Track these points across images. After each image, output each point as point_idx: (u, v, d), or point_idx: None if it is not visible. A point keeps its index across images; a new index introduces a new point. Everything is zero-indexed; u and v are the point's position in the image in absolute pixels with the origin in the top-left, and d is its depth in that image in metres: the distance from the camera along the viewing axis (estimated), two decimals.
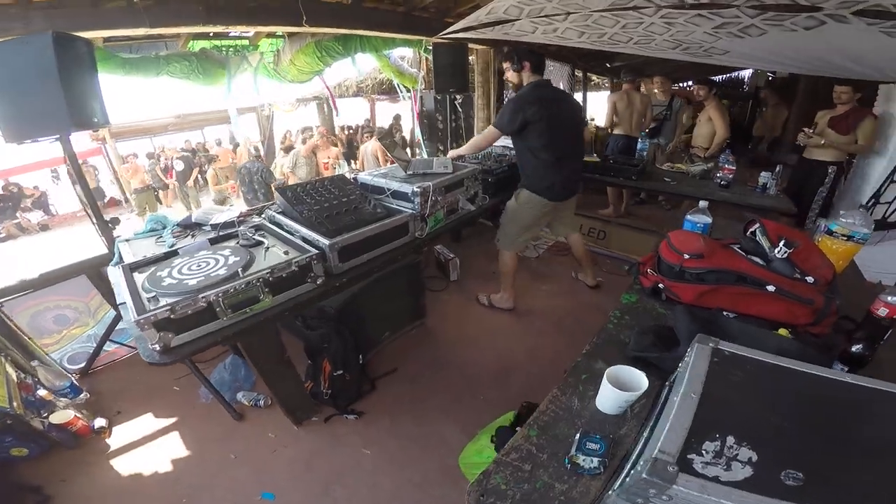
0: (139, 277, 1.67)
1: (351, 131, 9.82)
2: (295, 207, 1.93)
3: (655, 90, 5.20)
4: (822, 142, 3.93)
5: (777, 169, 3.35)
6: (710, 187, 3.36)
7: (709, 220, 1.94)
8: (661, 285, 1.55)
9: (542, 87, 2.60)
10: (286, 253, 1.77)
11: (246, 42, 4.08)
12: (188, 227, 2.14)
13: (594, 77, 10.25)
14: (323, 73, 4.14)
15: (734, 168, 3.38)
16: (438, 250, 3.75)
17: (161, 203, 9.15)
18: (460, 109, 5.86)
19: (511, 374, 2.60)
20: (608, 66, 10.07)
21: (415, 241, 2.16)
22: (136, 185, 8.47)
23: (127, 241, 2.08)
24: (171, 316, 1.41)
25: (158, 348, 1.45)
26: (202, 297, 1.44)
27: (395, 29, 3.66)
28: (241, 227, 1.94)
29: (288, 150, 6.28)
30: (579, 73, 9.75)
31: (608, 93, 5.00)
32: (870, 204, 4.18)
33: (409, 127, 8.11)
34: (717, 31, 2.80)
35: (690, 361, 0.89)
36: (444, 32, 3.36)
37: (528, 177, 2.72)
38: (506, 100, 5.65)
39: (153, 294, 1.50)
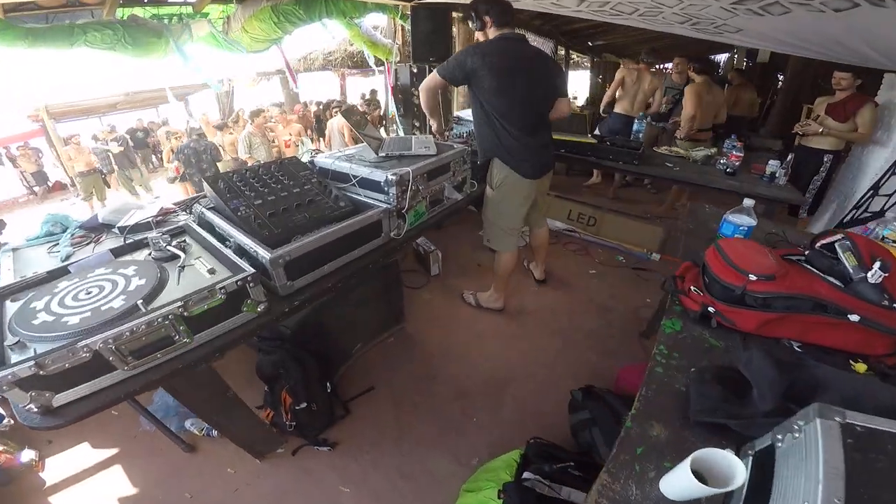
0: (12, 308, 1.21)
1: (320, 107, 9.16)
2: (229, 203, 1.45)
3: (673, 72, 4.82)
4: (821, 130, 3.70)
5: (788, 157, 3.09)
6: (714, 174, 3.09)
7: (753, 222, 1.63)
8: (711, 309, 1.20)
9: (508, 40, 2.10)
10: (211, 272, 1.31)
11: (189, 9, 3.47)
12: (94, 230, 1.66)
13: (575, 55, 9.87)
14: (281, 42, 3.60)
15: (741, 155, 3.09)
16: (417, 241, 3.34)
17: (109, 186, 8.33)
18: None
19: (506, 388, 2.28)
20: (590, 44, 9.73)
21: (390, 242, 1.72)
22: (82, 168, 7.65)
23: (14, 250, 1.58)
24: (41, 372, 0.97)
25: (35, 409, 1.02)
26: (84, 346, 1.00)
27: None
28: (155, 233, 1.46)
29: (220, 128, 5.62)
30: (562, 52, 9.41)
31: (621, 67, 4.60)
32: (868, 195, 4.01)
33: (385, 103, 7.56)
34: (736, 6, 2.49)
35: (814, 446, 0.65)
36: None
37: (494, 147, 2.25)
38: None
39: (17, 340, 1.05)
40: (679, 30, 3.15)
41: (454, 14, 3.62)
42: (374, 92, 9.78)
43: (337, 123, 5.91)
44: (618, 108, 4.55)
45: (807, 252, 1.28)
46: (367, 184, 1.77)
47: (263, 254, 1.27)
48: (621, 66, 4.64)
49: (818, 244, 1.26)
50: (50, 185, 10.11)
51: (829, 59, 3.33)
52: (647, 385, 1.03)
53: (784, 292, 1.12)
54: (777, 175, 3.05)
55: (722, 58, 11.11)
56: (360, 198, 1.74)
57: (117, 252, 1.45)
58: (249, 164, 5.33)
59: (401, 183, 1.69)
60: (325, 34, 4.15)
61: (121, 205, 1.73)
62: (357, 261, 1.57)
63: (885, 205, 4.19)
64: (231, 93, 10.76)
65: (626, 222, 3.83)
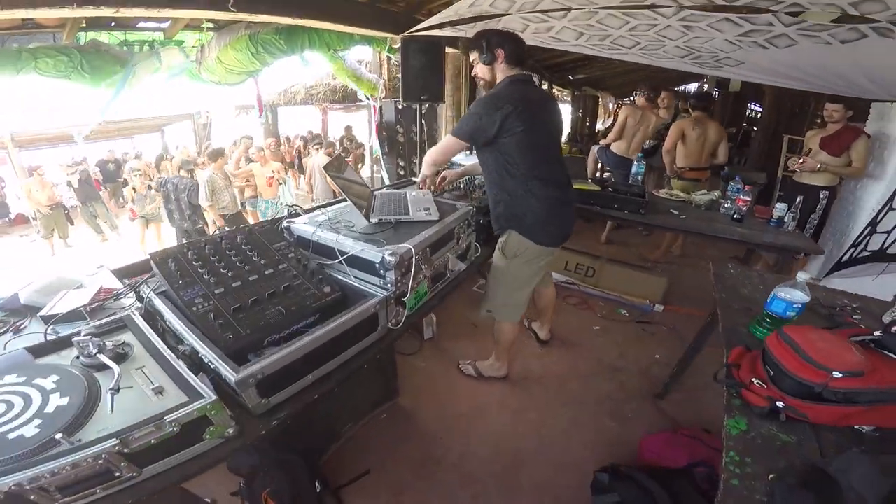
0: None
1: (302, 142, 8.89)
2: (182, 292, 1.14)
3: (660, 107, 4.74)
4: (819, 166, 3.60)
5: (797, 200, 2.93)
6: (720, 220, 2.91)
7: (807, 298, 1.42)
8: (780, 404, 1.06)
9: (525, 83, 1.91)
10: (158, 391, 0.97)
11: (160, 36, 3.22)
12: (14, 313, 1.32)
13: (556, 89, 9.96)
14: (258, 74, 3.36)
15: (749, 199, 2.93)
16: None
17: (73, 223, 7.82)
18: (423, 121, 5.24)
19: (521, 470, 2.01)
20: (570, 77, 9.84)
21: (388, 335, 1.40)
22: (43, 203, 7.15)
23: None
24: None
25: None
26: None
27: (354, 22, 2.94)
28: (85, 331, 1.09)
29: (185, 165, 5.26)
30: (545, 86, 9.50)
31: (623, 106, 4.48)
32: (865, 233, 3.92)
33: (368, 140, 7.38)
34: (742, 38, 2.44)
35: None
36: (416, 28, 2.70)
37: (508, 210, 2.00)
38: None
39: None
40: (677, 63, 3.08)
41: (448, 49, 3.48)
42: (348, 129, 9.60)
43: (318, 161, 5.65)
44: (614, 148, 4.41)
45: (881, 335, 1.16)
46: (357, 262, 1.43)
47: (228, 374, 0.96)
48: (621, 105, 4.53)
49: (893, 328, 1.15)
50: (11, 217, 9.52)
51: (825, 91, 3.32)
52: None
53: (874, 387, 1.00)
54: (786, 220, 2.90)
55: (692, 87, 11.42)
56: (349, 280, 1.41)
57: (37, 351, 1.12)
58: (210, 216, 5.03)
59: (400, 265, 1.37)
60: (306, 69, 3.94)
61: (51, 281, 1.40)
62: (348, 363, 1.26)
63: (884, 243, 4.12)
64: (209, 125, 10.49)
65: (627, 272, 3.63)
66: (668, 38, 2.60)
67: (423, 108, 3.97)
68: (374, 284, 1.40)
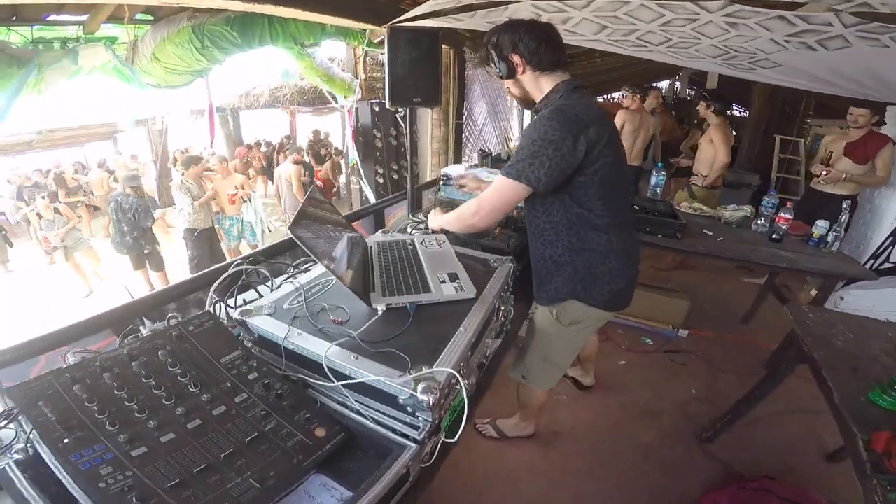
0: None
1: (271, 148, 8.17)
2: (69, 456, 0.64)
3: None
4: (844, 177, 3.30)
5: (842, 218, 2.59)
6: (758, 241, 2.59)
7: None
8: None
9: (584, 95, 1.38)
10: None
11: (77, 33, 2.57)
12: None
13: None
14: (208, 74, 2.76)
15: (790, 217, 2.56)
16: None
17: (12, 246, 6.86)
18: (402, 123, 4.73)
19: None
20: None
21: (420, 479, 0.90)
22: None
23: None
24: None
25: None
26: None
27: (326, 9, 2.39)
28: None
29: (129, 182, 4.58)
30: None
31: (620, 111, 4.07)
32: (887, 243, 3.65)
33: (343, 146, 6.78)
34: (790, 38, 2.16)
35: None
36: (403, 17, 2.18)
37: (577, 274, 1.47)
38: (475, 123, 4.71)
39: None
40: (708, 64, 2.73)
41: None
42: (316, 132, 8.94)
43: (285, 172, 5.05)
44: None
45: None
46: (368, 391, 0.91)
47: None
48: (620, 110, 4.12)
49: None
50: None
51: (855, 95, 3.02)
52: None
53: None
54: (830, 240, 2.54)
55: (663, 85, 11.26)
56: (349, 410, 0.92)
57: None
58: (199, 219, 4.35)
59: (439, 401, 0.86)
60: (271, 66, 3.37)
61: None
62: None
63: None
64: (165, 131, 9.59)
65: (646, 295, 3.21)
66: (704, 35, 2.27)
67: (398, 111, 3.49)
68: (392, 417, 0.90)
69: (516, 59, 1.35)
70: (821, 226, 2.55)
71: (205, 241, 4.61)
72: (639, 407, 2.44)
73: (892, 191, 3.69)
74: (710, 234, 2.61)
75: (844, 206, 2.95)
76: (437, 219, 1.60)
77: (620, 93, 4.21)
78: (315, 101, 7.10)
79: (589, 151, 1.26)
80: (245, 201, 4.91)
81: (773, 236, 2.58)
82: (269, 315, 1.11)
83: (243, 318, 1.10)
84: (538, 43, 1.33)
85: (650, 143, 4.29)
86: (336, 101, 4.51)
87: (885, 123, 3.55)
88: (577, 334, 1.62)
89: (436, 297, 1.15)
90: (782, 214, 2.57)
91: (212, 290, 1.22)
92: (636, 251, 1.55)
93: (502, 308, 1.37)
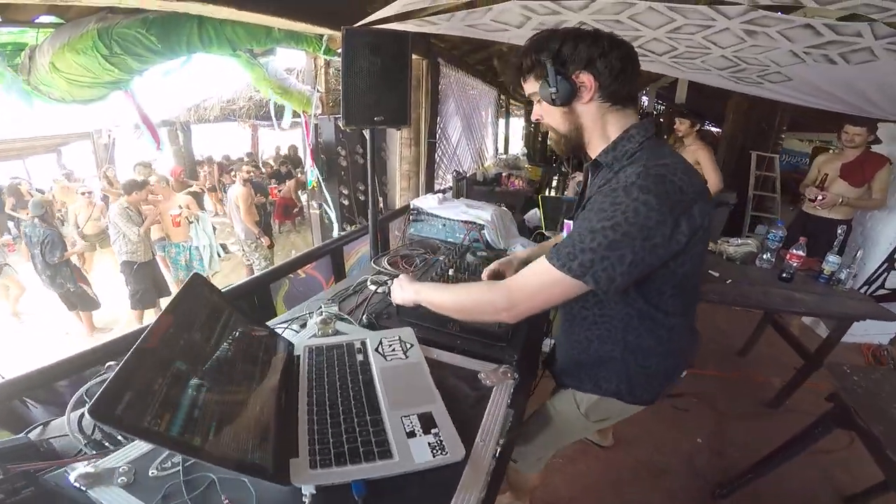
0: None
1: (217, 168, 7.54)
2: None
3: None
4: (841, 201, 3.09)
5: (857, 255, 2.37)
6: (765, 279, 2.36)
7: None
8: None
9: (668, 146, 1.04)
10: None
11: None
12: None
13: (512, 103, 9.47)
14: (129, 86, 2.27)
15: (803, 255, 2.32)
16: None
17: None
18: (366, 136, 4.32)
19: None
20: (522, 92, 9.39)
21: None
22: None
23: None
24: None
25: None
26: None
27: (268, 9, 1.96)
28: None
29: (35, 210, 3.96)
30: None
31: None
32: (882, 269, 3.48)
33: (304, 166, 6.30)
34: (811, 50, 1.94)
35: None
36: (365, 21, 1.79)
37: (628, 372, 1.11)
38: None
39: None
40: (713, 77, 2.52)
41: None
42: (286, 149, 8.40)
43: (233, 193, 4.52)
44: None
45: None
46: None
47: None
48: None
49: None
50: None
51: (858, 112, 2.91)
52: None
53: None
54: (843, 278, 2.31)
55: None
56: None
57: None
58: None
59: None
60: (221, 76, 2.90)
61: None
62: None
63: None
64: (111, 145, 8.81)
65: None
66: (716, 44, 2.03)
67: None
68: None
69: (587, 80, 0.93)
70: (832, 261, 2.32)
71: (146, 274, 4.06)
72: (641, 465, 2.18)
73: (885, 214, 3.53)
74: (717, 275, 2.32)
75: (840, 231, 2.73)
76: (412, 291, 1.13)
77: None
78: (278, 114, 6.60)
79: (689, 240, 0.87)
80: (191, 222, 4.36)
81: (783, 275, 2.31)
82: (125, 487, 0.67)
83: (84, 490, 0.66)
84: (623, 66, 0.93)
85: None
86: (275, 120, 4.05)
87: (881, 142, 3.36)
88: (597, 426, 1.29)
89: (401, 465, 0.71)
90: (793, 251, 2.30)
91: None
92: (698, 343, 1.20)
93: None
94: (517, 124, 11.65)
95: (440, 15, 1.75)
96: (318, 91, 3.97)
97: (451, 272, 1.41)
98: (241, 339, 0.85)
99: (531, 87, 1.01)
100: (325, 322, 1.10)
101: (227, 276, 5.76)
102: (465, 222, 2.01)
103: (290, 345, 0.99)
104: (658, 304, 1.00)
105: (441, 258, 1.59)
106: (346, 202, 4.82)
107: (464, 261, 1.54)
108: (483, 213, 2.02)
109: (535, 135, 11.36)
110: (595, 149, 1.01)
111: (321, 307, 1.42)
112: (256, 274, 5.05)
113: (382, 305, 1.31)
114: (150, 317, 4.59)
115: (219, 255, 4.83)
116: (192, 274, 0.81)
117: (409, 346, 1.02)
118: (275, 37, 2.58)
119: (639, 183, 0.84)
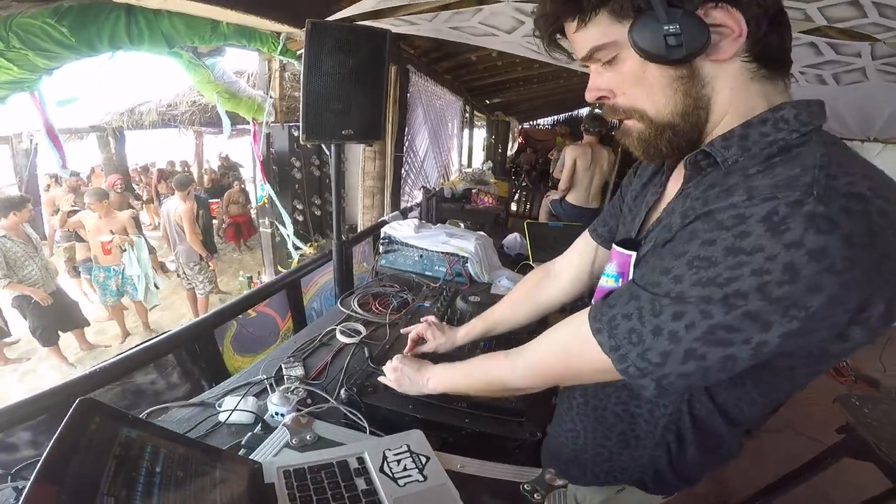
0: None
1: (155, 176, 6.85)
2: None
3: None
4: None
5: None
6: None
7: None
8: None
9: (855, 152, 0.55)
10: None
11: None
12: None
13: (476, 113, 9.40)
14: (35, 87, 1.86)
15: None
16: None
17: None
18: (327, 151, 4.00)
19: None
20: (487, 102, 9.35)
21: None
22: None
23: None
24: None
25: None
26: None
27: (222, 1, 1.63)
28: None
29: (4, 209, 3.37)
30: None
31: (568, 147, 3.63)
32: None
33: (253, 181, 5.84)
34: (807, 70, 1.94)
35: None
36: (339, 15, 1.51)
37: (658, 462, 0.75)
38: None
39: None
40: None
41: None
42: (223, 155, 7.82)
43: (174, 211, 4.02)
44: (570, 199, 3.60)
45: None
46: None
47: None
48: (568, 146, 3.72)
49: None
50: None
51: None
52: None
53: None
54: None
55: (584, 112, 11.62)
56: None
57: None
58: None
59: None
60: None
61: None
62: None
63: None
64: (32, 151, 7.84)
65: None
66: None
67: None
68: None
69: (730, 20, 0.51)
70: None
71: (47, 309, 3.48)
72: None
73: None
74: None
75: None
76: (424, 380, 0.87)
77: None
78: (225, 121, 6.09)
79: (860, 342, 0.51)
80: (124, 250, 3.84)
81: None
82: None
83: None
84: (780, 7, 0.55)
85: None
86: (226, 127, 3.66)
87: None
88: None
89: None
90: None
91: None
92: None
93: None
94: (479, 135, 11.63)
95: (422, 14, 1.51)
96: (270, 97, 3.62)
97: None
98: (178, 481, 0.55)
99: (600, 31, 0.56)
100: (299, 423, 0.80)
101: (165, 309, 5.15)
102: (446, 254, 1.76)
103: (257, 468, 0.68)
104: (730, 413, 0.67)
105: (426, 304, 1.32)
106: (300, 218, 4.45)
107: (454, 308, 1.28)
108: (466, 244, 1.77)
109: (495, 146, 11.36)
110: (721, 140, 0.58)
111: (282, 368, 1.14)
112: (199, 297, 4.59)
113: (363, 372, 1.03)
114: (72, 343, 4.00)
115: (156, 287, 4.29)
116: (77, 402, 0.50)
117: (424, 460, 0.73)
118: (222, 33, 2.24)
119: (807, 210, 0.42)
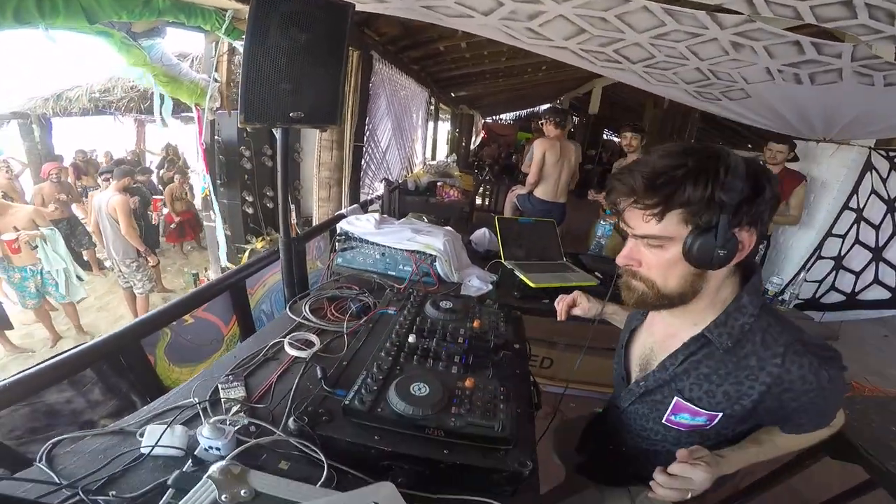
0: None
1: (73, 169, 6.22)
2: None
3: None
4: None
5: (800, 275, 2.38)
6: None
7: None
8: None
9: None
10: None
11: None
12: None
13: (441, 106, 9.29)
14: None
15: None
16: None
17: None
18: (276, 136, 3.73)
19: None
20: (452, 95, 9.25)
21: None
22: None
23: None
24: None
25: None
26: None
27: None
28: None
29: None
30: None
31: (537, 141, 3.53)
32: (798, 281, 3.68)
33: (197, 170, 5.43)
34: (786, 68, 1.90)
35: None
36: None
37: None
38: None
39: None
40: (676, 90, 2.45)
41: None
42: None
43: (107, 203, 3.63)
44: (538, 193, 3.53)
45: None
46: None
47: None
48: (537, 139, 3.63)
49: None
50: None
51: (791, 132, 3.04)
52: None
53: None
54: (786, 298, 2.37)
55: (543, 109, 11.75)
56: None
57: None
58: None
59: None
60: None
61: None
62: None
63: (815, 291, 3.94)
64: None
65: (592, 360, 2.67)
66: (696, 55, 1.94)
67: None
68: None
69: (748, 239, 0.73)
70: (776, 283, 2.26)
71: None
72: None
73: (796, 229, 3.70)
74: None
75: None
76: (716, 473, 0.79)
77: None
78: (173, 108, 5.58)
79: None
80: (35, 247, 3.42)
81: None
82: None
83: None
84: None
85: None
86: (161, 116, 3.35)
87: (798, 159, 3.53)
88: None
89: None
90: None
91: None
92: None
93: None
94: (443, 128, 11.52)
95: None
96: (216, 80, 3.31)
97: (411, 339, 0.99)
98: None
99: (666, 227, 0.72)
100: (231, 475, 0.62)
101: (101, 309, 4.72)
102: (412, 252, 1.61)
103: None
104: None
105: (391, 311, 1.16)
106: (250, 210, 4.14)
107: (424, 316, 1.12)
108: (434, 241, 1.62)
109: (460, 139, 11.27)
110: (694, 312, 0.82)
111: (219, 388, 0.96)
112: (138, 297, 4.20)
113: (315, 397, 0.86)
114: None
115: (79, 279, 3.88)
116: None
117: None
118: (156, 7, 1.98)
119: (823, 370, 0.75)
